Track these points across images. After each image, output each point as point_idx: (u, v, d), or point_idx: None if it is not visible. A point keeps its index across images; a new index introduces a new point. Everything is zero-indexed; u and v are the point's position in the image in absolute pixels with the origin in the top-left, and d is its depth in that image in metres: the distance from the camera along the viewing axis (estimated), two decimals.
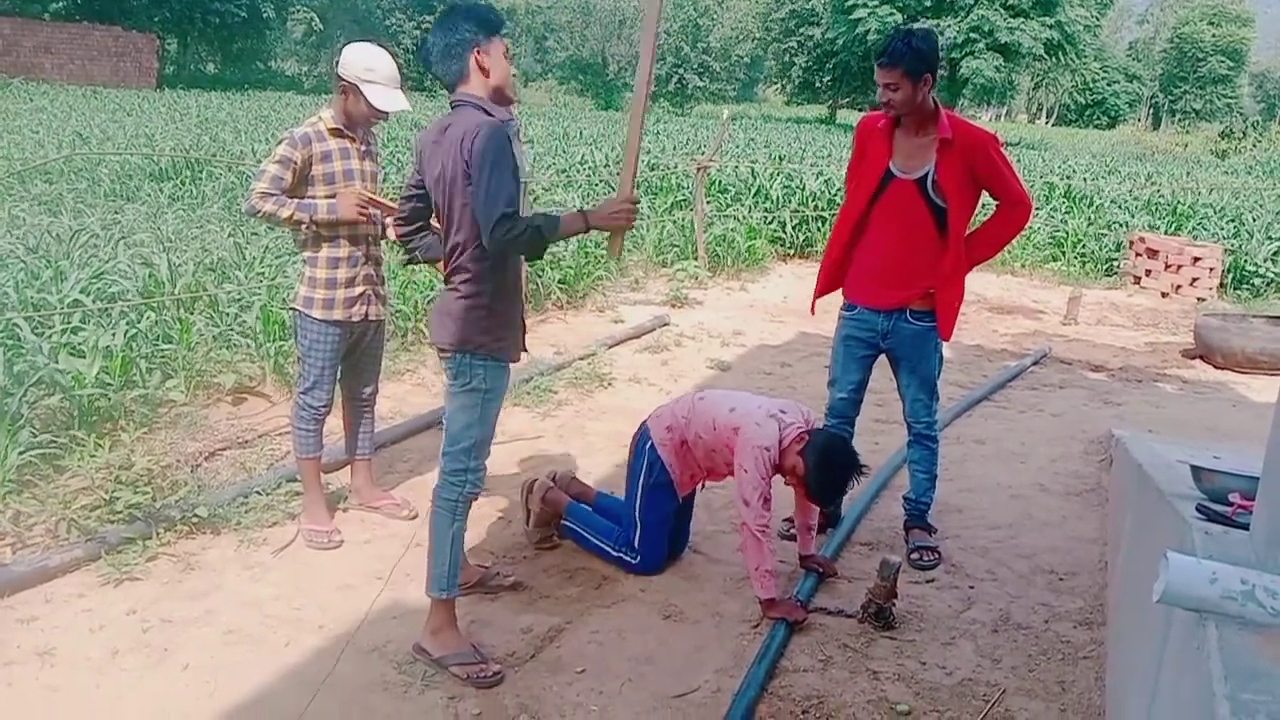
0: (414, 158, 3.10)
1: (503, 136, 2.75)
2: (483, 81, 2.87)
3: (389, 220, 3.74)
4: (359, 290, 3.76)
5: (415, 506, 4.07)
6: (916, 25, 3.82)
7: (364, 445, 4.10)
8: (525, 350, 3.15)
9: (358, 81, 3.57)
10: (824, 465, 3.36)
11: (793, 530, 3.92)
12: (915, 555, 3.91)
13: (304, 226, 3.61)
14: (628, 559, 3.68)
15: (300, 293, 3.73)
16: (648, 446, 3.68)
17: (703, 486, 3.91)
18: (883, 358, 3.97)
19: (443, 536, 3.03)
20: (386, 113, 3.64)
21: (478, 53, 2.84)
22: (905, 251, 3.72)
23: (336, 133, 3.66)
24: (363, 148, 3.75)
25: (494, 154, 2.72)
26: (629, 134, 2.90)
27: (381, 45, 3.71)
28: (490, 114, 2.82)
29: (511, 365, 3.08)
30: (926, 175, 3.63)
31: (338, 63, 3.66)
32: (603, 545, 3.75)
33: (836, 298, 4.04)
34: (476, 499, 3.11)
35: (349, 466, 4.19)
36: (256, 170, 3.69)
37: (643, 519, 3.66)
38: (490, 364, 2.96)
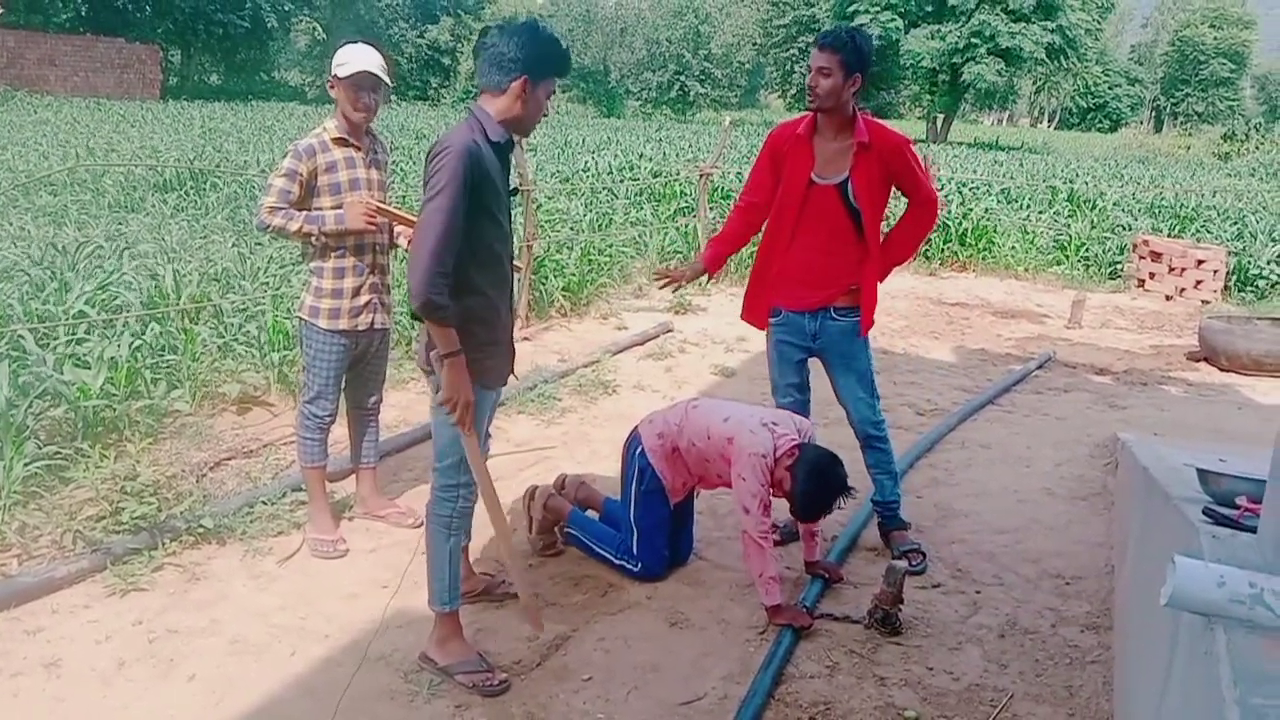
0: None
1: (464, 166, 2.66)
2: (508, 108, 2.78)
3: (400, 230, 3.75)
4: (364, 299, 3.76)
5: (420, 515, 4.05)
6: (860, 28, 3.90)
7: (369, 454, 4.10)
8: (514, 374, 3.12)
9: (334, 72, 3.61)
10: (810, 483, 3.36)
11: (791, 528, 3.94)
12: (901, 560, 3.90)
13: (313, 238, 3.62)
14: (629, 566, 3.69)
15: (306, 302, 3.74)
16: (638, 453, 3.69)
17: (697, 494, 3.90)
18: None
19: (440, 552, 3.02)
20: (368, 84, 3.62)
21: (525, 82, 2.75)
22: (828, 254, 3.78)
23: (341, 142, 3.67)
24: (369, 156, 3.75)
25: (443, 184, 2.64)
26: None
27: (369, 44, 3.72)
28: (486, 132, 2.77)
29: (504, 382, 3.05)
30: (845, 180, 3.69)
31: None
32: (605, 553, 3.75)
33: None
34: (471, 512, 3.10)
35: (354, 475, 4.19)
36: (264, 184, 3.70)
37: (638, 525, 3.67)
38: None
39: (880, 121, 3.85)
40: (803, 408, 4.05)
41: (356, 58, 3.60)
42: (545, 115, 2.91)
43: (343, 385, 3.91)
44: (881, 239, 3.90)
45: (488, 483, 3.00)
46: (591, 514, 3.98)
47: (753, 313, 4.09)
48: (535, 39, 2.76)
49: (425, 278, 2.65)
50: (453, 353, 2.76)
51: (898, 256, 3.99)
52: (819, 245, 3.77)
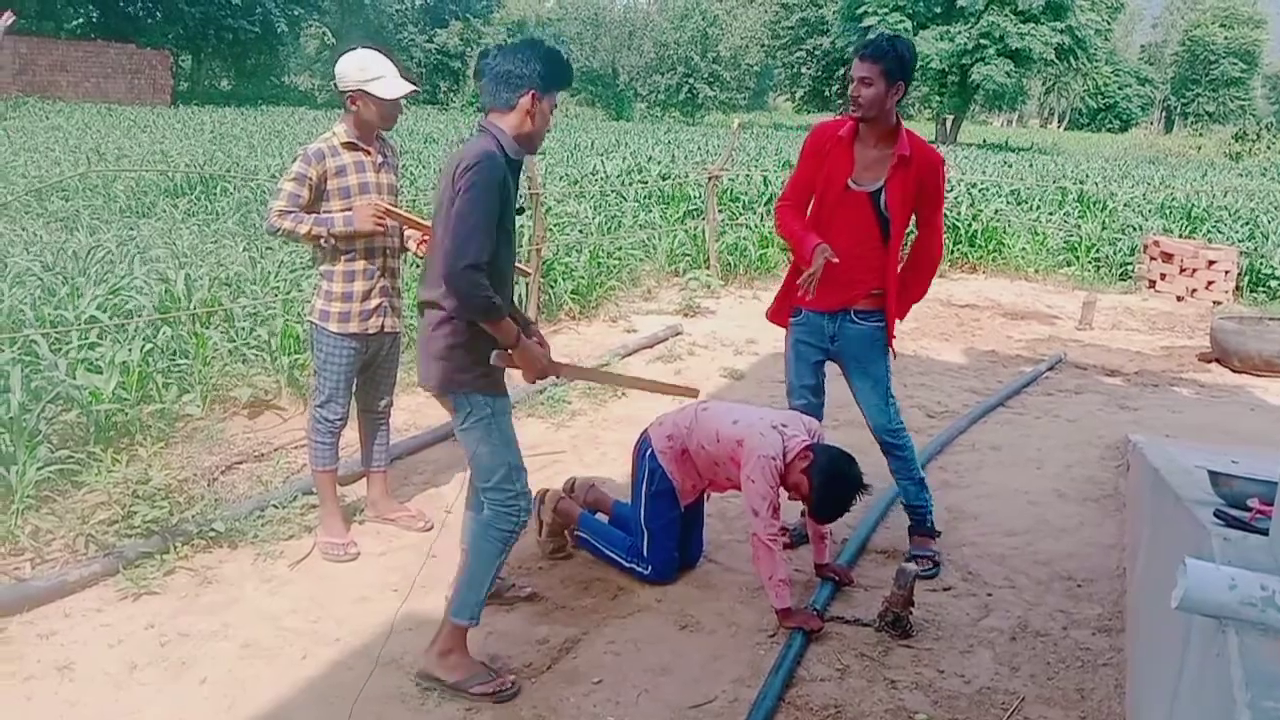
0: None
1: (498, 176, 2.71)
2: (520, 123, 2.83)
3: (410, 233, 3.76)
4: (375, 303, 3.77)
5: (431, 518, 4.08)
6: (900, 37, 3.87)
7: (379, 457, 4.11)
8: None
9: (361, 85, 3.59)
10: (827, 485, 3.35)
11: (801, 531, 3.93)
12: (911, 563, 3.88)
13: (322, 241, 3.63)
14: (639, 569, 3.68)
15: (317, 306, 3.75)
16: (648, 455, 3.69)
17: (708, 497, 3.90)
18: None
19: (488, 567, 2.97)
20: (399, 102, 3.66)
21: (533, 97, 2.80)
22: (852, 258, 3.75)
23: (351, 146, 3.69)
24: (379, 160, 3.77)
25: (482, 192, 2.68)
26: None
27: (375, 48, 3.72)
28: (503, 149, 2.80)
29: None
30: (880, 189, 3.68)
31: (334, 84, 3.70)
32: (615, 556, 3.75)
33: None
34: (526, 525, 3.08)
35: (365, 479, 4.20)
36: (274, 188, 3.72)
37: (648, 527, 3.67)
38: (485, 392, 2.92)
39: (921, 137, 3.84)
40: (815, 411, 4.04)
41: (390, 72, 3.61)
42: (549, 130, 2.94)
43: (353, 389, 3.92)
44: (901, 253, 3.88)
45: (592, 372, 3.33)
46: (601, 517, 3.98)
47: (779, 313, 4.07)
48: (539, 54, 2.82)
49: (473, 287, 2.70)
50: (515, 341, 2.84)
51: (914, 295, 4.01)
52: (845, 248, 3.72)
